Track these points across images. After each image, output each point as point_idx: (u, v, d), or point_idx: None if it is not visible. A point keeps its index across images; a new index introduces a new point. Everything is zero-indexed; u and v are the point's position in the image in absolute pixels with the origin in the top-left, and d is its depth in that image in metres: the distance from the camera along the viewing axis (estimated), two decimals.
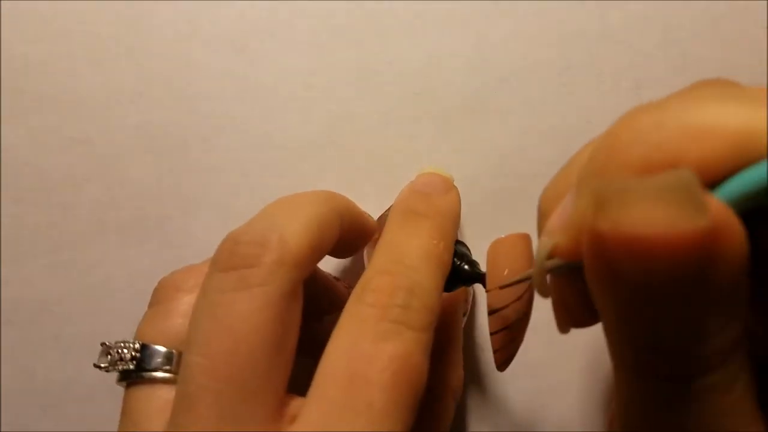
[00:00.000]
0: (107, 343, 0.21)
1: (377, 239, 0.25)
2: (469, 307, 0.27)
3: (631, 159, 0.14)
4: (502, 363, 0.21)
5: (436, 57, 0.28)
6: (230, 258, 0.19)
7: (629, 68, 0.27)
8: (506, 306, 0.20)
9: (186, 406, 0.18)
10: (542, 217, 0.18)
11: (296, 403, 0.18)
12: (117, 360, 0.21)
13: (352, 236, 0.23)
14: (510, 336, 0.21)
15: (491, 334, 0.21)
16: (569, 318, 0.18)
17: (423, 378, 0.18)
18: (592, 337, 0.28)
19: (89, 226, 0.28)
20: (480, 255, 0.28)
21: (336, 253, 0.24)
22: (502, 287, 0.20)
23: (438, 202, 0.22)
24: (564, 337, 0.28)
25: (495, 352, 0.21)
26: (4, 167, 0.29)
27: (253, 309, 0.18)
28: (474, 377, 0.28)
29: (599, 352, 0.28)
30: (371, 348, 0.18)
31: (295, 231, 0.19)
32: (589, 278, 0.14)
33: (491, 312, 0.21)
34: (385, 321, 0.18)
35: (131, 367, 0.20)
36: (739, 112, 0.13)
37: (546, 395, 0.28)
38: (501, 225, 0.28)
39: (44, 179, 0.28)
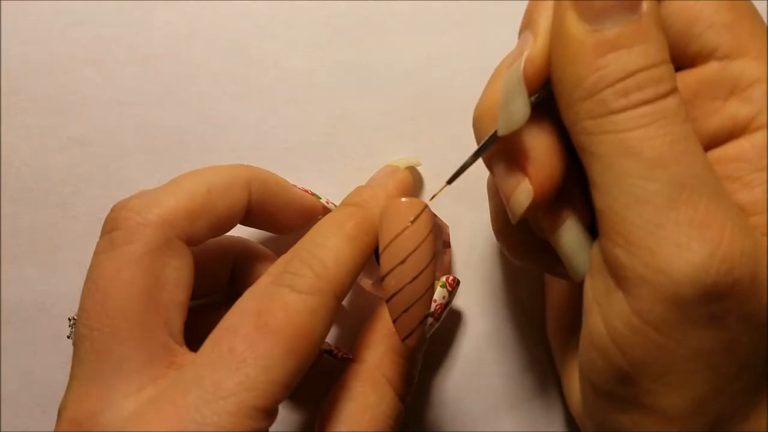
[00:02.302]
0: (71, 317, 0.25)
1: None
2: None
3: None
4: (405, 335, 0.21)
5: (436, 57, 0.28)
6: (105, 224, 0.21)
7: None
8: (393, 268, 0.20)
9: (75, 352, 0.20)
10: (479, 127, 0.20)
11: (188, 356, 0.20)
12: (71, 328, 0.25)
13: (273, 208, 0.25)
14: (404, 302, 0.20)
15: (386, 302, 0.21)
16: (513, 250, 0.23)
17: (304, 336, 0.19)
18: None
19: (89, 226, 0.28)
20: (480, 254, 0.28)
21: (262, 224, 0.25)
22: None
23: (370, 190, 0.24)
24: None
25: (394, 322, 0.21)
26: (3, 167, 0.29)
27: (118, 265, 0.20)
28: (468, 379, 0.28)
29: None
30: (251, 306, 0.19)
31: (169, 195, 0.22)
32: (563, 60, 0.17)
33: (382, 278, 0.21)
34: (273, 285, 0.20)
35: (69, 332, 0.24)
36: None
37: (544, 397, 0.28)
38: None
39: (44, 179, 0.28)
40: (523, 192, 0.19)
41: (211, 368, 0.18)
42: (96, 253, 0.21)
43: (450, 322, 0.28)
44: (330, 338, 0.28)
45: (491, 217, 0.24)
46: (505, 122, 0.18)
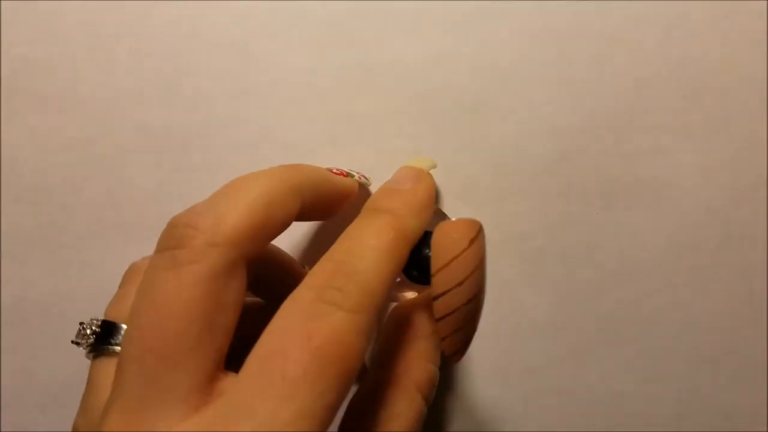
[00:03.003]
0: (83, 322, 0.23)
1: None
2: None
3: None
4: (453, 353, 0.21)
5: (436, 57, 0.28)
6: (166, 240, 0.20)
7: (629, 68, 0.27)
8: (449, 290, 0.20)
9: (118, 374, 0.19)
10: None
11: (230, 380, 0.19)
12: (83, 335, 0.23)
13: (323, 202, 0.24)
14: (456, 323, 0.20)
15: (437, 320, 0.20)
16: None
17: (349, 357, 0.18)
18: (593, 339, 0.28)
19: (89, 226, 0.28)
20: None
21: (312, 217, 0.25)
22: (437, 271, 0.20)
23: (400, 195, 0.23)
24: (563, 338, 0.28)
25: (443, 339, 0.21)
26: (4, 167, 0.29)
27: (181, 286, 0.19)
28: (467, 379, 0.28)
29: (596, 354, 0.28)
30: (298, 325, 0.18)
31: (233, 211, 0.20)
32: None
33: (435, 297, 0.20)
34: (318, 302, 0.19)
35: (92, 341, 0.22)
36: None
37: (544, 396, 0.28)
38: (500, 224, 0.28)
39: (44, 179, 0.28)
40: None
41: (263, 396, 0.17)
42: (155, 269, 0.20)
43: None
44: None
45: None
46: None
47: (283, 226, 0.22)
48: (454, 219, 0.20)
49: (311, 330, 0.18)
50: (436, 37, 0.28)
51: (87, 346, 0.22)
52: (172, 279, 0.19)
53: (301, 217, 0.23)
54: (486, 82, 0.28)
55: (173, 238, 0.20)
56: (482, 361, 0.28)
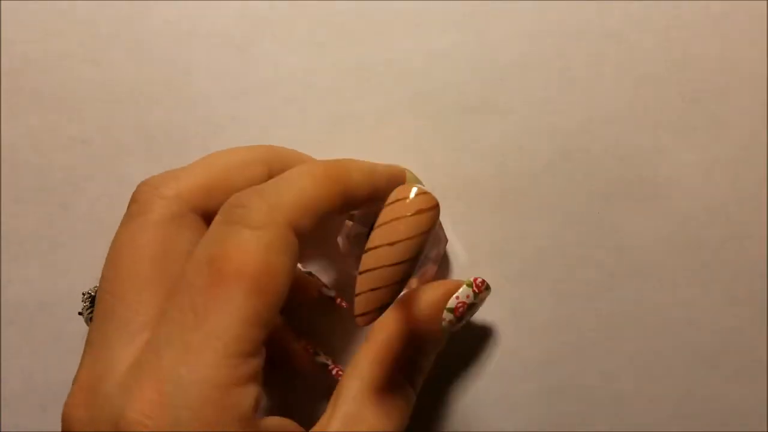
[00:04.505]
0: (85, 291, 0.26)
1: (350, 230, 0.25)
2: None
3: None
4: (361, 314, 0.20)
5: (436, 57, 0.28)
6: (130, 202, 0.22)
7: (629, 67, 0.27)
8: (380, 246, 0.20)
9: (92, 318, 0.21)
10: None
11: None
12: (85, 307, 0.26)
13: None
14: (375, 281, 0.20)
15: (359, 273, 0.20)
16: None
17: (262, 272, 0.19)
18: (593, 339, 0.28)
19: (90, 225, 0.28)
20: (481, 254, 0.28)
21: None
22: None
23: (353, 161, 0.23)
24: (563, 338, 0.28)
25: (356, 296, 0.20)
26: (4, 167, 0.29)
27: (131, 233, 0.21)
28: (469, 376, 0.28)
29: (596, 354, 0.28)
30: (203, 253, 0.19)
31: (187, 172, 0.22)
32: None
33: (366, 250, 0.20)
34: (223, 224, 0.20)
35: (88, 305, 0.25)
36: None
37: (545, 396, 0.28)
38: (501, 225, 0.28)
39: (44, 179, 0.28)
40: None
41: (179, 328, 0.19)
42: (119, 226, 0.22)
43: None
44: (334, 345, 0.28)
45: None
46: None
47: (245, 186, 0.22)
48: (417, 187, 0.20)
49: (214, 255, 0.19)
50: (436, 36, 0.28)
51: (86, 310, 0.25)
52: (127, 230, 0.21)
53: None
54: (486, 81, 0.28)
55: (132, 198, 0.22)
56: (482, 361, 0.28)
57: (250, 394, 0.19)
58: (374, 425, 0.22)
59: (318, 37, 0.28)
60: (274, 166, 0.23)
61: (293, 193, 0.20)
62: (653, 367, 0.28)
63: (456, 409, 0.28)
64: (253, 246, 0.19)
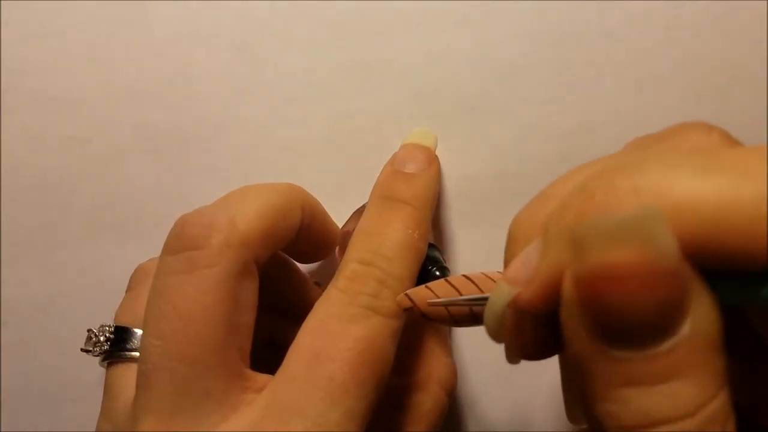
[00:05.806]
0: (91, 329, 0.23)
1: (346, 236, 0.25)
2: None
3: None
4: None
5: (436, 56, 0.28)
6: (179, 241, 0.20)
7: (630, 68, 0.27)
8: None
9: (145, 383, 0.19)
10: (512, 243, 0.17)
11: (262, 378, 0.19)
12: (96, 343, 0.22)
13: (314, 233, 0.24)
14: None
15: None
16: (521, 352, 0.17)
17: (387, 361, 0.19)
18: None
19: (88, 226, 0.28)
20: (480, 255, 0.28)
21: (298, 253, 0.25)
22: (436, 305, 0.18)
23: (416, 183, 0.23)
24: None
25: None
26: (3, 167, 0.29)
27: (202, 290, 0.19)
28: (475, 377, 0.28)
29: None
30: (338, 328, 0.19)
31: (245, 214, 0.20)
32: (568, 317, 0.13)
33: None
34: (354, 306, 0.19)
35: (106, 347, 0.22)
36: (714, 187, 0.12)
37: (545, 396, 0.28)
38: (501, 225, 0.28)
39: (43, 179, 0.28)
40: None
41: (312, 397, 0.18)
42: (170, 272, 0.19)
43: None
44: None
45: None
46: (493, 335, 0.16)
47: (289, 237, 0.22)
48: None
49: (355, 333, 0.19)
50: (435, 36, 0.28)
51: (101, 353, 0.22)
52: (191, 282, 0.19)
53: (295, 241, 0.23)
54: (486, 81, 0.28)
55: (187, 239, 0.19)
56: (482, 361, 0.28)
57: None
58: None
59: (318, 37, 0.28)
60: (306, 212, 0.23)
61: (411, 282, 0.21)
62: None
63: (456, 410, 0.28)
64: (386, 334, 0.20)
